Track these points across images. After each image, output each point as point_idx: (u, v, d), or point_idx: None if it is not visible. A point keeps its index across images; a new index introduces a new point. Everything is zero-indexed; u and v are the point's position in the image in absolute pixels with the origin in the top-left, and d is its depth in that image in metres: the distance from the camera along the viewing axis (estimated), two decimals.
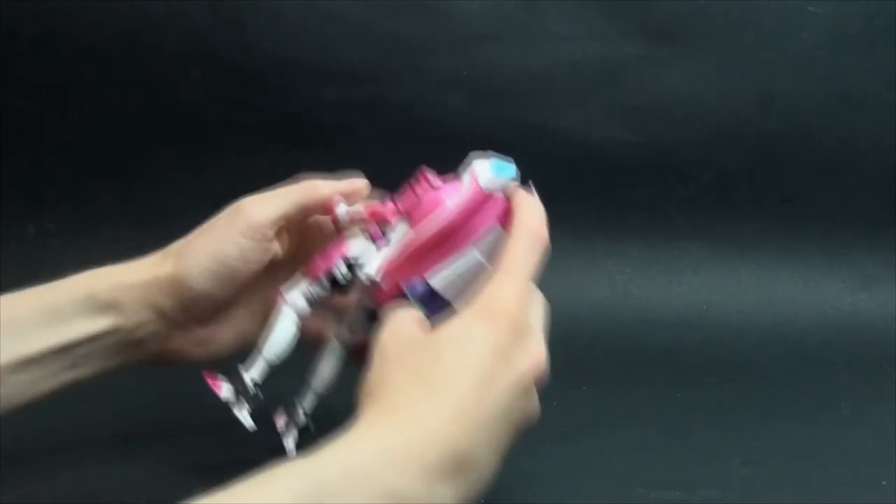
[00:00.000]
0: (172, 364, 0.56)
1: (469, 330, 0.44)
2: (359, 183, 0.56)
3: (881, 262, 0.94)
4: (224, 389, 0.52)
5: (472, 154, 0.52)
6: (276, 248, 0.55)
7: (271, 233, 0.54)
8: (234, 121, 0.96)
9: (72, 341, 0.52)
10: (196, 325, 0.55)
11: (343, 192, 0.55)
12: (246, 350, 0.55)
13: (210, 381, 0.52)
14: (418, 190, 0.50)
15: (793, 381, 0.79)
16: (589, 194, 0.93)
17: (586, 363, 0.78)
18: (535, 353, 0.45)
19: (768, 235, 0.95)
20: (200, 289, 0.53)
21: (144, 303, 0.53)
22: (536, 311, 0.48)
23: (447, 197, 0.50)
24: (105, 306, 0.53)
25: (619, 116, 0.95)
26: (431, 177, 0.51)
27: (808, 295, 0.93)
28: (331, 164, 0.96)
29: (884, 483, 0.57)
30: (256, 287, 0.56)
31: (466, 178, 0.50)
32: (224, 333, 0.56)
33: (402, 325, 0.47)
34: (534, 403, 0.46)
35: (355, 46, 0.94)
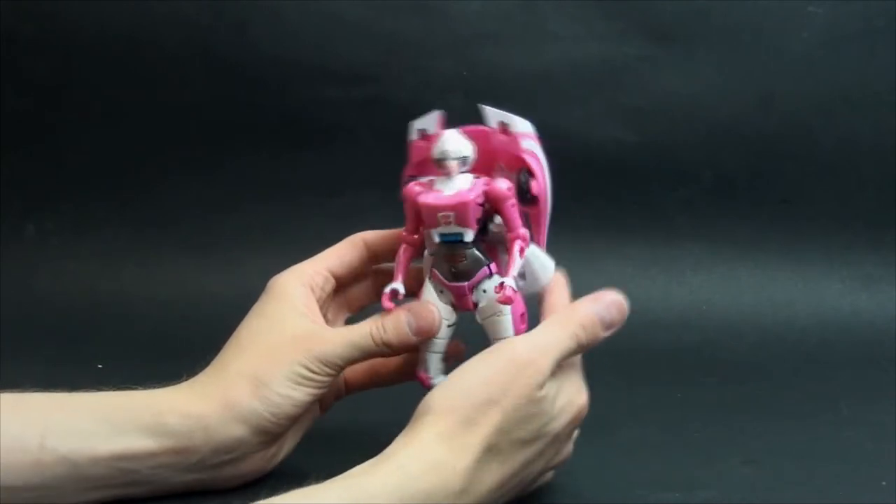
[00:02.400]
0: (241, 483, 0.53)
1: (546, 409, 0.47)
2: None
3: (881, 262, 0.94)
4: None
5: (487, 108, 0.52)
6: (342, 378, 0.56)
7: (339, 371, 0.52)
8: (234, 121, 0.96)
9: (130, 455, 0.49)
10: (268, 445, 0.53)
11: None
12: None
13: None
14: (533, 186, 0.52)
15: (793, 381, 0.79)
16: (589, 194, 0.93)
17: (586, 363, 0.78)
18: (566, 453, 0.51)
19: (768, 235, 0.95)
20: (278, 418, 0.51)
21: (220, 431, 0.50)
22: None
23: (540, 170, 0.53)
24: (172, 431, 0.50)
25: (619, 116, 0.95)
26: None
27: (807, 295, 0.93)
28: (331, 164, 0.97)
29: (884, 483, 0.57)
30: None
31: (530, 143, 0.52)
32: (288, 440, 0.55)
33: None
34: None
35: (355, 46, 0.94)
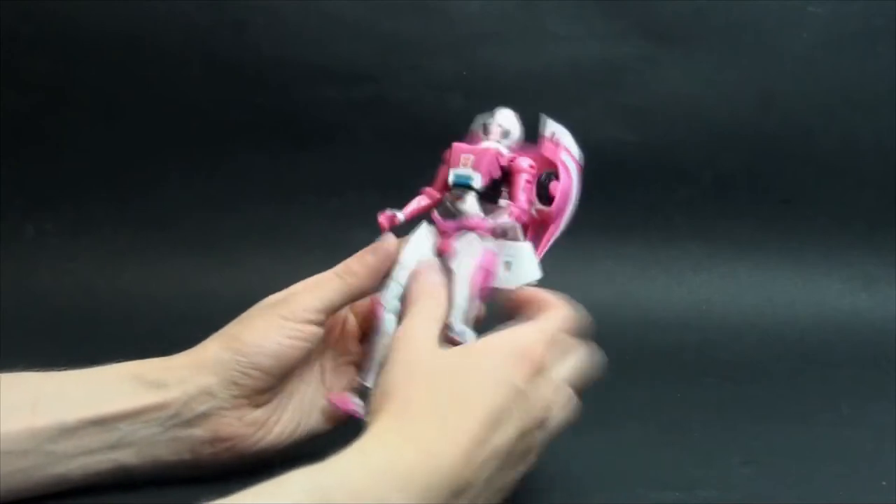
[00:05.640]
0: (227, 455, 0.54)
1: (494, 366, 0.46)
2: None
3: (881, 262, 0.94)
4: (356, 405, 0.55)
5: (548, 118, 0.56)
6: (321, 332, 0.55)
7: (316, 318, 0.53)
8: (234, 121, 0.96)
9: (113, 414, 0.51)
10: (247, 406, 0.53)
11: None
12: (303, 447, 0.55)
13: (337, 402, 0.55)
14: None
15: (793, 381, 0.79)
16: (589, 194, 0.92)
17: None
18: (548, 399, 0.47)
19: (768, 235, 0.95)
20: (245, 367, 0.52)
21: (190, 381, 0.52)
22: (570, 365, 0.50)
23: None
24: (150, 384, 0.52)
25: (619, 116, 0.95)
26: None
27: (807, 295, 0.93)
28: (331, 164, 0.97)
29: (884, 483, 0.57)
30: (308, 382, 0.56)
31: (567, 158, 0.56)
32: (278, 424, 0.55)
33: (425, 338, 0.48)
34: (536, 447, 0.48)
35: (355, 46, 0.94)
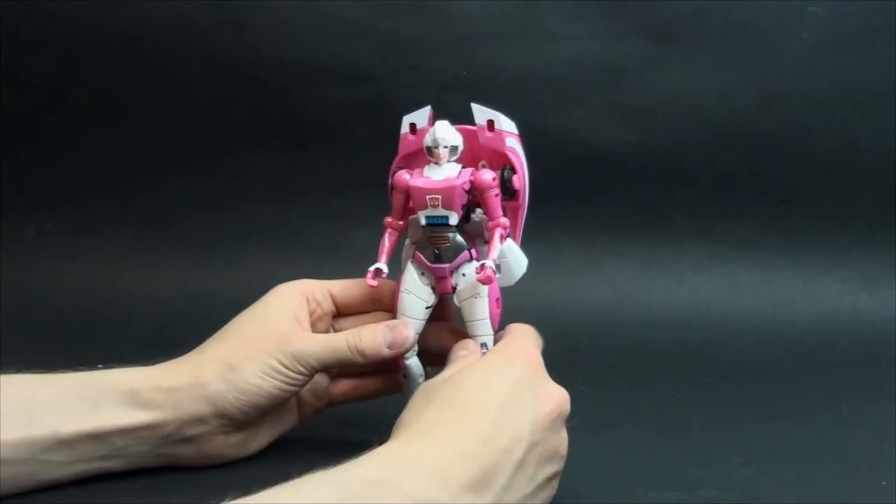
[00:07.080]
0: (208, 465, 0.55)
1: (489, 367, 0.48)
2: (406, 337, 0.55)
3: (881, 262, 0.94)
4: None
5: (476, 105, 0.54)
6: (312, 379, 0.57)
7: (318, 370, 0.54)
8: (234, 121, 0.96)
9: (108, 430, 0.52)
10: (233, 432, 0.55)
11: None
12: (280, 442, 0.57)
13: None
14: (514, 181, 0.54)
15: (793, 381, 0.79)
16: (589, 194, 0.93)
17: (586, 363, 0.78)
18: (556, 392, 0.49)
19: (768, 235, 0.95)
20: (243, 405, 0.53)
21: (186, 406, 0.53)
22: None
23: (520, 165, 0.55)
24: (146, 403, 0.52)
25: (619, 116, 0.95)
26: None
27: (807, 295, 0.93)
28: (331, 164, 0.97)
29: (884, 483, 0.57)
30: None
31: (514, 142, 0.55)
32: (260, 434, 0.57)
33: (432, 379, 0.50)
34: (560, 438, 0.49)
35: (355, 46, 0.94)
